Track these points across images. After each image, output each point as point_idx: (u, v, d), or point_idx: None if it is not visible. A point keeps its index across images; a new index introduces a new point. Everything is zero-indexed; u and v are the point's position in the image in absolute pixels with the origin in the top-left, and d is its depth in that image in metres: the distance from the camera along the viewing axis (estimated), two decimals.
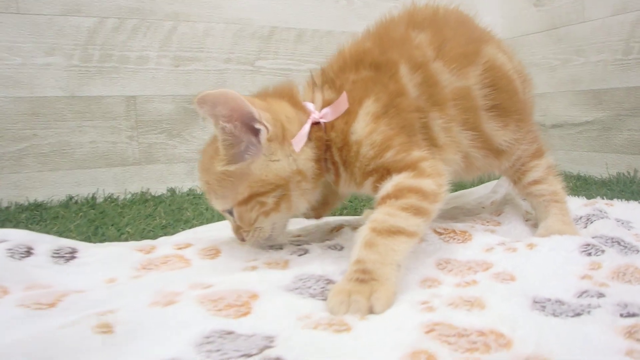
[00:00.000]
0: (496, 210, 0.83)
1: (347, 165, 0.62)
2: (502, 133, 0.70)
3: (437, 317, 0.43)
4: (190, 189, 1.26)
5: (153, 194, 1.22)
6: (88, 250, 0.61)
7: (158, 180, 1.26)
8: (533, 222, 0.78)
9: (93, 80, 1.15)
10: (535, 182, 0.75)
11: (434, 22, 0.69)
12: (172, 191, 1.25)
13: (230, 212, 0.62)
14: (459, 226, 0.69)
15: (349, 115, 0.61)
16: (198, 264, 0.60)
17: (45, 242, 0.60)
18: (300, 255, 0.62)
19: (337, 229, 0.74)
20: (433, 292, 0.50)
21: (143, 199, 1.17)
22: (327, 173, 0.64)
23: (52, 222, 0.93)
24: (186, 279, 0.52)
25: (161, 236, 0.82)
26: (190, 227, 0.88)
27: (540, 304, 0.45)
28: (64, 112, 1.13)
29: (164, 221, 0.92)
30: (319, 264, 0.57)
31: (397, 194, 0.55)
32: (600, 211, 0.76)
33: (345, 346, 0.38)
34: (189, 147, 1.29)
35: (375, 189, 0.59)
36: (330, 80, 0.66)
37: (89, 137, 1.16)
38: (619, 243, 0.61)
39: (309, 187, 0.62)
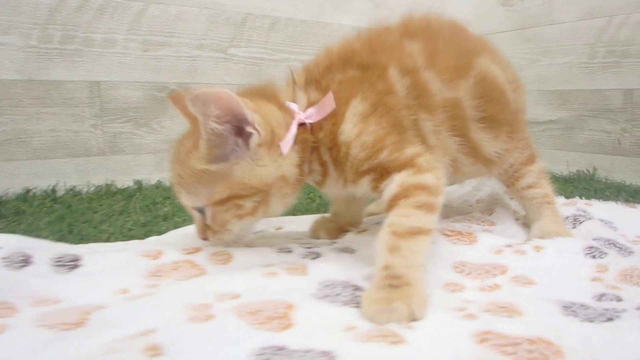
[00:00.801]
0: (487, 209, 0.86)
1: (337, 164, 0.62)
2: (492, 144, 0.71)
3: (481, 325, 0.43)
4: (158, 181, 1.22)
5: (119, 186, 1.17)
6: (92, 258, 0.57)
7: (124, 172, 1.21)
8: (522, 222, 0.82)
9: (53, 63, 1.08)
10: (529, 186, 0.78)
11: (427, 33, 0.70)
12: (138, 183, 1.21)
13: (201, 210, 0.61)
14: (461, 227, 0.71)
15: (336, 116, 0.61)
16: (212, 270, 0.57)
17: (43, 249, 0.56)
18: (313, 259, 0.62)
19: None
20: (460, 297, 0.51)
21: (109, 192, 1.12)
22: (311, 174, 0.65)
23: (15, 218, 0.87)
24: (209, 288, 0.50)
25: (145, 235, 0.79)
26: (172, 224, 0.85)
27: (570, 309, 0.46)
28: (21, 97, 1.05)
29: (142, 218, 0.89)
30: (338, 269, 0.57)
31: (405, 193, 0.56)
32: (585, 212, 0.80)
33: None
34: (157, 137, 1.24)
35: (375, 188, 0.61)
36: (316, 80, 0.65)
37: (48, 125, 1.10)
38: (614, 245, 0.64)
39: (289, 191, 0.62)
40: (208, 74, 1.29)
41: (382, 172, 0.60)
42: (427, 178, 0.58)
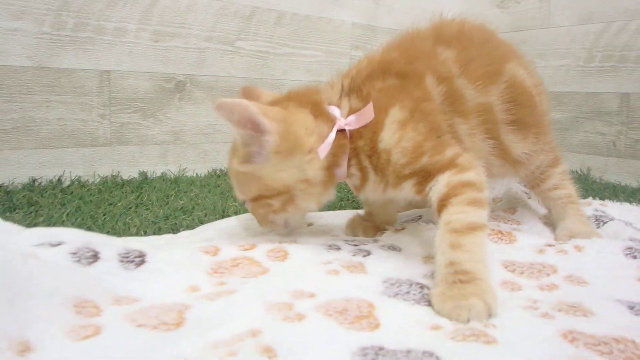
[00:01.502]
0: (508, 208, 0.91)
1: (378, 170, 0.66)
2: (521, 145, 0.75)
3: (563, 325, 0.44)
4: (163, 173, 1.24)
5: (124, 177, 1.18)
6: (156, 254, 0.58)
7: (129, 163, 1.21)
8: (544, 221, 0.86)
9: (65, 50, 1.07)
10: (554, 187, 0.82)
11: (460, 40, 0.73)
12: (143, 175, 1.22)
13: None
14: (495, 227, 0.74)
15: (376, 124, 0.65)
16: (273, 268, 0.59)
17: (107, 245, 0.57)
18: (365, 256, 0.64)
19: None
20: (524, 295, 0.52)
21: (115, 183, 1.13)
22: (350, 178, 0.69)
23: (31, 209, 0.87)
24: (281, 287, 0.52)
25: (172, 229, 0.81)
26: (196, 218, 0.87)
27: (634, 309, 0.47)
28: (31, 84, 1.04)
29: (161, 211, 0.91)
30: (394, 267, 0.60)
31: (454, 192, 0.59)
32: (604, 212, 0.84)
33: None
34: (163, 128, 1.25)
35: (419, 191, 0.65)
36: (358, 87, 0.69)
37: (56, 114, 1.09)
38: None
39: (316, 192, 0.66)
40: (215, 66, 1.31)
41: (425, 175, 0.64)
42: (471, 175, 0.61)
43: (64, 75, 1.09)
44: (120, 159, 1.20)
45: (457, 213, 0.57)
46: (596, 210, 0.86)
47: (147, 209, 0.93)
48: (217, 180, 1.23)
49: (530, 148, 0.77)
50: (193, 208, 0.95)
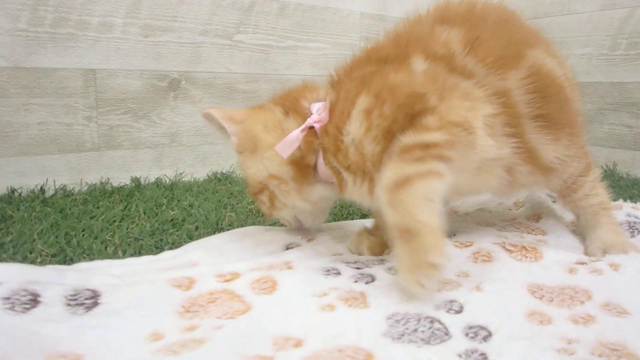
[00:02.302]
0: (532, 214, 0.83)
1: (351, 169, 0.62)
2: (552, 148, 0.67)
3: None
4: (158, 179, 1.17)
5: (115, 184, 1.12)
6: (113, 293, 0.50)
7: (120, 168, 1.14)
8: (572, 228, 0.79)
9: (44, 48, 1.00)
10: (585, 196, 0.74)
11: (469, 20, 0.66)
12: (136, 181, 1.15)
13: None
14: (517, 239, 0.66)
15: (341, 117, 0.62)
16: (257, 303, 0.51)
17: (52, 283, 0.48)
18: (368, 283, 0.57)
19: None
20: (555, 332, 0.46)
21: (104, 192, 1.06)
22: (334, 179, 0.65)
23: (1, 226, 0.80)
24: (262, 332, 0.45)
25: (156, 246, 0.74)
26: (184, 232, 0.80)
27: None
28: (7, 86, 0.97)
29: (148, 224, 0.83)
30: (401, 296, 0.52)
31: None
32: (637, 217, 0.77)
33: None
34: (157, 130, 1.18)
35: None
36: (339, 80, 0.68)
37: (37, 118, 1.02)
38: None
39: (291, 188, 0.68)
40: (212, 62, 1.23)
41: None
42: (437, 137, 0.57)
43: (44, 76, 1.02)
44: (110, 165, 1.14)
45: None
46: (629, 216, 0.78)
47: (133, 222, 0.85)
48: (217, 185, 1.16)
49: (563, 152, 0.68)
50: (184, 220, 0.87)
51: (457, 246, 0.68)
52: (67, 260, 0.68)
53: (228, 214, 0.90)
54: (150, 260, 0.68)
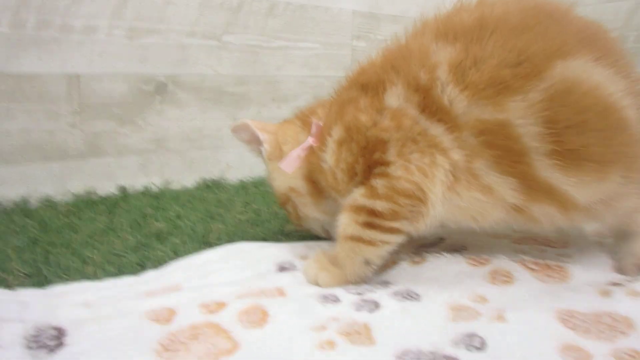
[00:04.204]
0: None
1: (333, 189, 0.69)
2: (591, 189, 0.55)
3: None
4: (145, 187, 1.20)
5: (101, 193, 1.15)
6: (82, 330, 0.46)
7: (105, 176, 1.17)
8: (596, 239, 0.75)
9: (26, 52, 1.03)
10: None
11: (472, 32, 0.58)
12: (122, 190, 1.18)
13: None
14: (537, 254, 0.64)
15: (321, 142, 0.68)
16: (245, 340, 0.47)
17: (11, 321, 0.45)
18: (371, 311, 0.54)
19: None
20: None
21: (90, 202, 1.09)
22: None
23: None
24: None
25: (139, 264, 0.75)
26: (169, 246, 0.81)
27: None
28: None
29: (132, 237, 0.85)
30: (412, 328, 0.49)
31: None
32: None
33: None
34: (143, 135, 1.21)
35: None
36: (332, 100, 0.72)
37: (18, 124, 1.05)
38: None
39: (307, 201, 0.75)
40: (200, 64, 1.27)
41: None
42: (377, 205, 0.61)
43: (26, 81, 1.05)
44: (95, 173, 1.17)
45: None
46: None
47: (117, 236, 0.87)
48: (205, 193, 1.19)
49: (607, 194, 0.57)
50: (170, 233, 0.89)
51: (472, 264, 0.64)
52: (43, 281, 0.67)
53: (216, 225, 0.92)
54: (130, 282, 0.66)
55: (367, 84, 0.64)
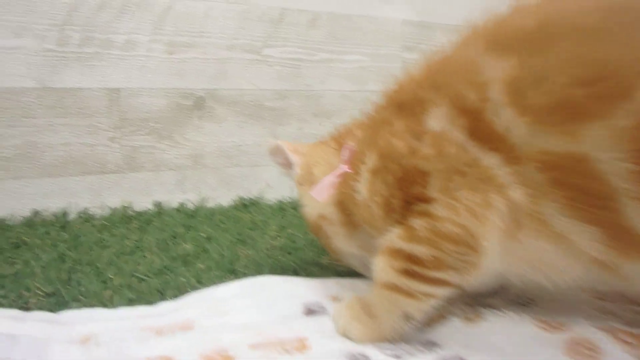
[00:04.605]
0: None
1: (368, 224, 0.61)
2: None
3: None
4: (180, 204, 1.22)
5: (136, 208, 1.17)
6: None
7: (142, 191, 1.20)
8: None
9: (70, 68, 1.09)
10: None
11: (534, 40, 0.48)
12: (158, 206, 1.20)
13: None
14: (632, 319, 0.52)
15: (354, 170, 0.61)
16: None
17: None
18: None
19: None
20: None
21: (125, 217, 1.11)
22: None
23: (13, 254, 0.86)
24: None
25: (159, 289, 0.74)
26: (193, 272, 0.79)
27: None
28: (33, 106, 1.07)
29: (158, 259, 0.85)
30: None
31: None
32: None
33: None
34: (180, 151, 1.23)
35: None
36: (368, 121, 0.66)
37: (61, 138, 1.10)
38: None
39: (339, 231, 0.67)
40: (239, 78, 1.28)
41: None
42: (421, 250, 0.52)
43: (69, 95, 1.10)
44: (132, 188, 1.20)
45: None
46: None
47: (143, 256, 0.88)
48: (241, 213, 1.18)
49: None
50: (197, 257, 0.88)
51: (542, 327, 0.54)
52: (60, 303, 0.69)
53: (246, 251, 0.90)
54: (142, 314, 0.64)
55: (404, 103, 0.56)
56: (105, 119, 1.14)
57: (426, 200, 0.52)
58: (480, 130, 0.49)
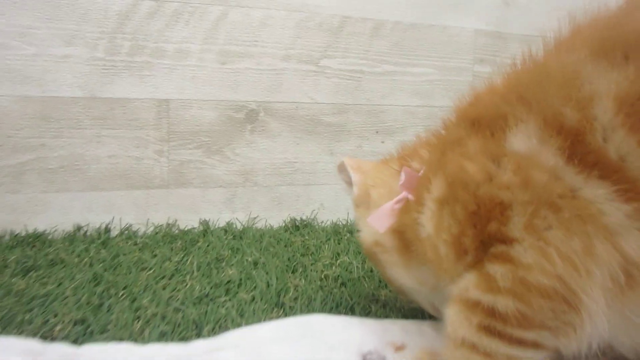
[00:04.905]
0: None
1: (432, 264, 0.52)
2: None
3: None
4: (228, 223, 1.17)
5: (182, 226, 1.13)
6: None
7: (189, 208, 1.16)
8: None
9: (119, 77, 1.07)
10: None
11: None
12: (205, 224, 1.15)
13: None
14: None
15: (417, 200, 0.52)
16: None
17: None
18: None
19: None
20: None
21: (169, 235, 1.07)
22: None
23: (47, 272, 0.83)
24: None
25: (195, 323, 0.67)
26: (234, 303, 0.72)
27: None
28: (81, 117, 1.06)
29: (198, 286, 0.79)
30: None
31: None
32: None
33: None
34: (230, 167, 1.18)
35: None
36: (435, 139, 0.58)
37: (108, 150, 1.08)
38: None
39: (395, 261, 0.60)
40: (294, 91, 1.22)
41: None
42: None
43: (118, 106, 1.09)
44: (178, 204, 1.16)
45: None
46: None
47: (183, 281, 0.82)
48: (292, 235, 1.11)
49: None
50: (241, 284, 0.81)
51: None
52: (86, 333, 0.64)
53: (296, 281, 0.82)
54: (172, 353, 0.59)
55: (480, 119, 0.49)
56: (153, 131, 1.11)
57: (506, 240, 0.43)
58: (583, 154, 0.41)
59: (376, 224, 0.57)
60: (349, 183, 0.70)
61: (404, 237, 0.56)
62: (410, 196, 0.55)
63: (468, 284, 0.45)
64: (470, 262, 0.46)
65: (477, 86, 0.54)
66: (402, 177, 0.56)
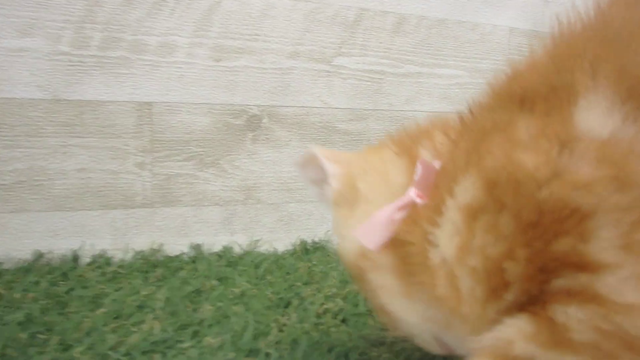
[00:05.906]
0: None
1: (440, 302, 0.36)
2: None
3: None
4: (225, 247, 0.92)
5: (169, 252, 0.88)
6: None
7: (178, 231, 0.91)
8: None
9: (89, 76, 0.84)
10: None
11: None
12: (197, 249, 0.90)
13: None
14: None
15: (432, 207, 0.36)
16: None
17: None
18: None
19: None
20: None
21: (150, 262, 0.83)
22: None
23: None
24: None
25: None
26: (198, 349, 0.51)
27: None
28: (42, 123, 0.82)
29: (159, 327, 0.56)
30: None
31: None
32: None
33: None
34: (228, 182, 0.94)
35: None
36: (460, 129, 0.42)
37: (76, 163, 0.84)
38: None
39: (391, 283, 0.40)
40: (304, 93, 0.99)
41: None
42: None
43: (88, 110, 0.86)
44: (165, 226, 0.92)
45: None
46: None
47: (140, 322, 0.59)
48: (299, 261, 0.87)
49: None
50: (212, 326, 0.59)
51: None
52: None
53: (283, 319, 0.61)
54: None
55: (532, 95, 0.34)
56: (133, 140, 0.88)
57: (588, 267, 0.28)
58: None
59: (365, 239, 0.40)
60: (317, 181, 0.51)
61: (406, 253, 0.40)
62: (419, 200, 0.39)
63: (513, 334, 0.31)
64: (511, 303, 0.32)
65: (517, 60, 0.40)
66: (418, 170, 0.39)
